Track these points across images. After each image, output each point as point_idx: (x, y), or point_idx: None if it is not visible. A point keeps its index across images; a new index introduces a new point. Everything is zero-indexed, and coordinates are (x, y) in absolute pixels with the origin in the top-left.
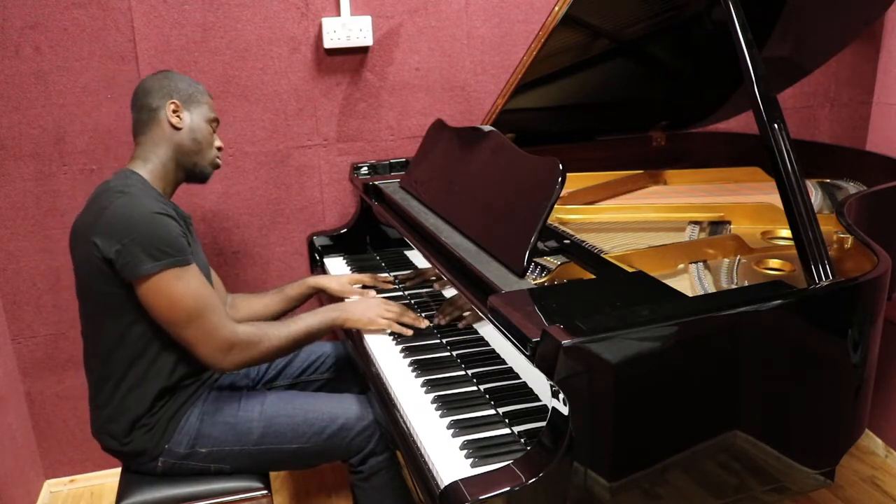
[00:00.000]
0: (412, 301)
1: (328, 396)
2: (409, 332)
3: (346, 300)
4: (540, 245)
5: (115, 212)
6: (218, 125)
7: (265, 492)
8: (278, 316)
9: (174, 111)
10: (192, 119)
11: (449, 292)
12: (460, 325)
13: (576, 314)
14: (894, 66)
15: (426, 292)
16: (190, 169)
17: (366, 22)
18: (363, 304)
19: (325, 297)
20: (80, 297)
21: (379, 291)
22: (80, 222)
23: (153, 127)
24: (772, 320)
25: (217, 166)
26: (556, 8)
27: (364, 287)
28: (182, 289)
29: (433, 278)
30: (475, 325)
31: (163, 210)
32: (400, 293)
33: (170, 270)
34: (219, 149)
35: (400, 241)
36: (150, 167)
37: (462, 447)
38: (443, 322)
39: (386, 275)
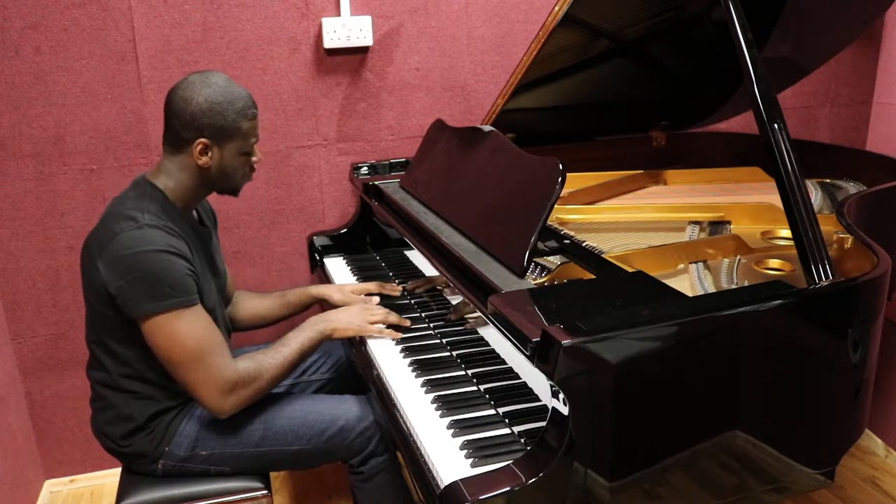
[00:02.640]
0: (412, 301)
1: (328, 398)
2: (399, 335)
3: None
4: (540, 245)
5: (122, 243)
6: (257, 141)
7: (265, 492)
8: (279, 320)
9: (202, 150)
10: (224, 155)
11: (454, 297)
12: (467, 326)
13: (576, 314)
14: (894, 66)
15: (427, 293)
16: (218, 190)
17: (366, 22)
18: (346, 312)
19: (328, 306)
20: (86, 306)
21: (385, 299)
22: (92, 238)
23: (179, 153)
24: (772, 320)
25: (249, 180)
26: (556, 8)
27: (369, 296)
28: (184, 329)
29: (440, 287)
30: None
31: (170, 247)
32: (406, 301)
33: (172, 311)
34: (255, 162)
35: (400, 241)
36: (172, 185)
37: (462, 447)
38: (453, 318)
39: (394, 284)
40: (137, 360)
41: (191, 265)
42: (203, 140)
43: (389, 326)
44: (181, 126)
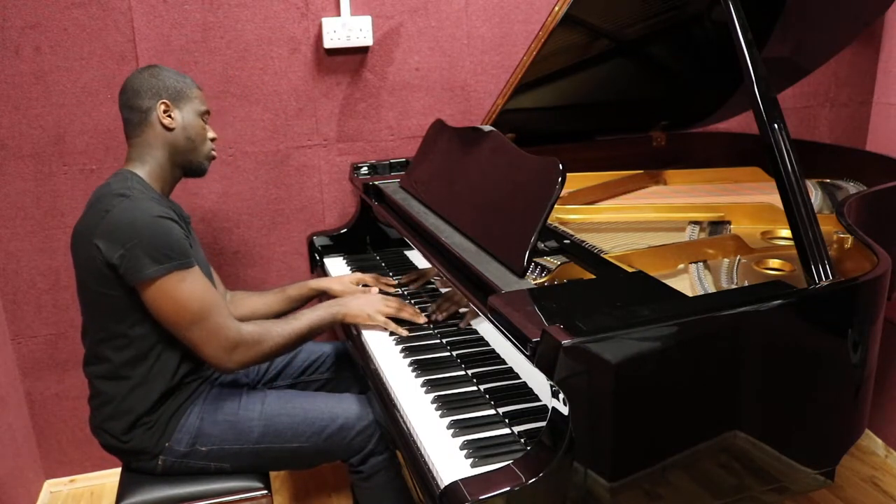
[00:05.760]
0: (411, 300)
1: (328, 396)
2: (405, 333)
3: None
4: (540, 245)
5: (117, 216)
6: (209, 116)
7: (265, 492)
8: (279, 316)
9: (165, 111)
10: (184, 117)
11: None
12: (461, 325)
13: (576, 314)
14: (894, 66)
15: (425, 291)
16: (186, 166)
17: (366, 22)
18: (362, 299)
19: (327, 299)
20: (81, 298)
21: (381, 292)
22: (81, 225)
23: (145, 128)
24: (772, 320)
25: (213, 158)
26: (556, 8)
27: (366, 287)
28: (187, 291)
29: (434, 279)
30: (474, 325)
31: (164, 213)
32: (400, 293)
33: (174, 273)
34: (212, 139)
35: (400, 241)
36: (147, 168)
37: (462, 447)
38: (440, 318)
39: (389, 277)
40: (140, 339)
41: (184, 230)
42: (164, 101)
43: (402, 322)
44: (140, 100)
